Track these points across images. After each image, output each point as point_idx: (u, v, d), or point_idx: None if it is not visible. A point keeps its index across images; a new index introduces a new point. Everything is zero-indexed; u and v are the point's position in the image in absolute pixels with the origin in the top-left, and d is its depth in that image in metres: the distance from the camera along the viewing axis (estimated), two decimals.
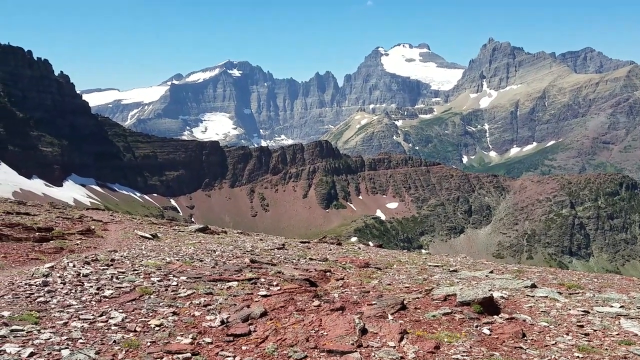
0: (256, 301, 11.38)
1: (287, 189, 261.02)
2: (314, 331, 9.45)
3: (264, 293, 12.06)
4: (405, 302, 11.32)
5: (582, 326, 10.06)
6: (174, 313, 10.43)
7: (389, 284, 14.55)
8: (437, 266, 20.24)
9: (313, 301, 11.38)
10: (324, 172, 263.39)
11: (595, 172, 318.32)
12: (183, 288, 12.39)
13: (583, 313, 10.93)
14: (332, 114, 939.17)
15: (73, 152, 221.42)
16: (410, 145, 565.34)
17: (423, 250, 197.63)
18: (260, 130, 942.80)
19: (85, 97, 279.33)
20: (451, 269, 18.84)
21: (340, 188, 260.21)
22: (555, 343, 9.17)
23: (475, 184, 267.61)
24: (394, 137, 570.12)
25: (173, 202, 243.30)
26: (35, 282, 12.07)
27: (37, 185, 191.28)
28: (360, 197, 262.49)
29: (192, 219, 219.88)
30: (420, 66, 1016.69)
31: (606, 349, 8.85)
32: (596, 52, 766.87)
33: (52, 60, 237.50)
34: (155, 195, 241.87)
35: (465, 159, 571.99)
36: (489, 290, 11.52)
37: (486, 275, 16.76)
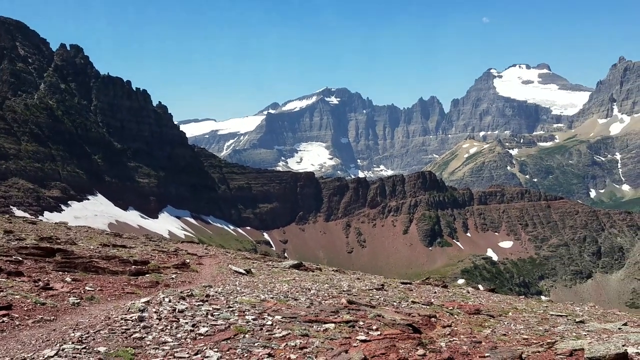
0: (355, 346, 11.40)
1: (386, 223, 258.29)
2: None
3: (363, 338, 12.03)
4: (523, 355, 11.03)
5: None
6: (269, 355, 10.70)
7: (504, 334, 14.25)
8: (561, 316, 19.52)
9: (417, 349, 11.26)
10: (427, 206, 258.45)
11: None
12: (278, 328, 12.72)
13: None
14: (437, 142, 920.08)
15: (169, 183, 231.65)
16: (527, 176, 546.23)
17: (543, 297, 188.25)
18: (358, 161, 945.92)
19: (182, 127, 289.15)
20: (577, 320, 18.13)
21: (446, 224, 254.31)
22: None
23: (606, 222, 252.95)
24: (508, 168, 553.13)
25: (266, 235, 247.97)
26: (131, 317, 12.78)
27: (132, 217, 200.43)
28: (468, 234, 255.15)
29: (285, 254, 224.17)
30: (539, 89, 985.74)
31: None
32: None
33: (151, 91, 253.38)
34: (248, 228, 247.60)
35: (593, 193, 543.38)
36: (623, 346, 10.92)
37: (619, 328, 15.78)
